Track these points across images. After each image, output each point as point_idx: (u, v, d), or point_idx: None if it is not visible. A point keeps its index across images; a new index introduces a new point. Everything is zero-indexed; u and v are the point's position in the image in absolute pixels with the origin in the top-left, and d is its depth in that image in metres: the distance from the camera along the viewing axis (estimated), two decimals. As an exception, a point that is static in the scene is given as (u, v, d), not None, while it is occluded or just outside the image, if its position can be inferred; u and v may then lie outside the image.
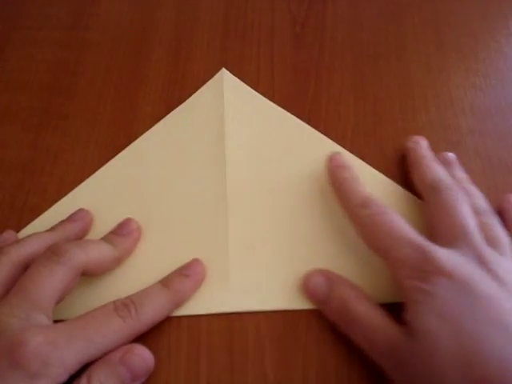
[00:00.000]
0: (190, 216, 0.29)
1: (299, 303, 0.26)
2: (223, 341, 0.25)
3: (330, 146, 0.31)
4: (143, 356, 0.22)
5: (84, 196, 0.29)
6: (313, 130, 0.31)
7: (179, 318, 0.25)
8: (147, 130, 0.31)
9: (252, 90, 0.33)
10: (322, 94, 0.33)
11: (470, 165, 0.30)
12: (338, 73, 0.34)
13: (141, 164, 0.30)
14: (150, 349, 0.23)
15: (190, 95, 0.33)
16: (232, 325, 0.25)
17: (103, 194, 0.29)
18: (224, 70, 0.34)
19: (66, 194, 0.29)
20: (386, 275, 0.25)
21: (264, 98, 0.33)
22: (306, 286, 0.25)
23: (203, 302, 0.26)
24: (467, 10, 0.37)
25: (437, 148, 0.30)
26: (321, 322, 0.25)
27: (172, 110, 0.32)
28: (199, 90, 0.33)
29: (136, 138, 0.31)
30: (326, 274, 0.25)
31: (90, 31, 0.36)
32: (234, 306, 0.26)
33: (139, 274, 0.27)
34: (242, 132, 0.31)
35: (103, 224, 0.28)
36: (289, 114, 0.32)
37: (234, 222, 0.28)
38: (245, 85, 0.33)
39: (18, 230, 0.28)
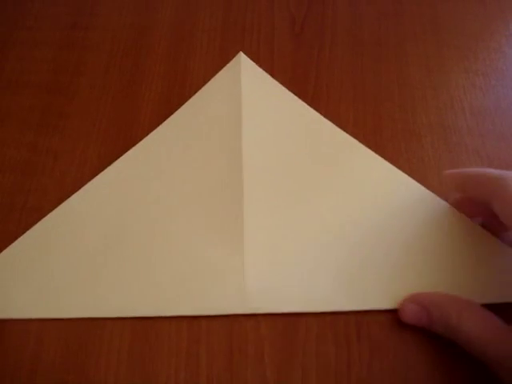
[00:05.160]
0: (204, 211, 0.28)
1: (316, 306, 0.25)
2: (223, 341, 0.25)
3: (345, 138, 0.30)
4: None
5: (100, 189, 0.29)
6: (328, 122, 0.31)
7: (179, 318, 0.25)
8: (147, 130, 0.31)
9: (269, 75, 0.33)
10: (321, 94, 0.33)
11: (469, 165, 0.30)
12: (338, 73, 0.34)
13: (158, 155, 0.30)
14: (150, 349, 0.23)
15: (191, 95, 0.32)
16: (232, 325, 0.25)
17: (120, 185, 0.29)
18: (241, 53, 0.33)
19: (66, 193, 0.29)
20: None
21: (281, 86, 0.32)
22: (404, 319, 0.25)
23: (218, 303, 0.25)
24: (467, 10, 0.37)
25: (437, 148, 0.30)
26: (321, 321, 0.25)
27: (172, 109, 0.32)
28: (216, 75, 0.33)
29: (136, 137, 0.31)
30: (416, 300, 0.24)
31: (90, 31, 0.36)
32: (249, 308, 0.25)
33: (153, 273, 0.26)
34: (259, 118, 0.31)
35: (118, 216, 0.28)
36: (305, 105, 0.32)
37: (250, 218, 0.27)
38: (262, 70, 0.33)
39: (18, 230, 0.28)
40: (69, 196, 0.29)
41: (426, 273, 0.26)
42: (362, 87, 0.33)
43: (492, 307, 0.23)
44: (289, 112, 0.32)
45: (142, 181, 0.29)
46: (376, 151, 0.30)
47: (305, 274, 0.26)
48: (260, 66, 0.34)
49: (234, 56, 0.34)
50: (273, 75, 0.33)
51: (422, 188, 0.28)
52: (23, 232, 0.28)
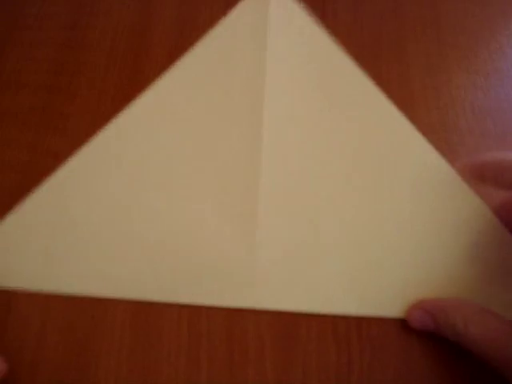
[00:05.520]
0: (219, 175, 0.26)
1: (324, 307, 0.25)
2: (223, 341, 0.25)
3: (379, 99, 0.28)
4: None
5: (112, 138, 0.28)
6: (363, 75, 0.28)
7: (179, 318, 0.25)
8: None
9: (303, 11, 0.29)
10: (322, 93, 0.33)
11: (470, 165, 0.30)
12: (338, 73, 0.34)
13: (174, 96, 0.28)
14: (151, 349, 0.23)
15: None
16: (232, 325, 0.25)
17: (134, 131, 0.28)
18: None
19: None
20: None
21: (315, 25, 0.29)
22: (411, 325, 0.24)
23: (227, 294, 0.25)
24: (467, 10, 0.37)
25: (437, 148, 0.30)
26: (321, 321, 0.25)
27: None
28: (237, 7, 0.29)
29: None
30: (422, 306, 0.24)
31: (90, 31, 0.36)
32: (258, 302, 0.25)
33: (159, 254, 0.25)
34: (285, 56, 0.27)
35: (127, 179, 0.27)
36: (342, 53, 0.29)
37: (265, 194, 0.26)
38: (296, 4, 0.29)
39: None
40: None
41: (448, 283, 0.25)
42: (363, 87, 0.33)
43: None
44: (322, 59, 0.28)
45: (153, 131, 0.27)
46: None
47: (316, 274, 0.25)
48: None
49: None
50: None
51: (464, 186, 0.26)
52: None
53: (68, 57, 0.35)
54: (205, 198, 0.26)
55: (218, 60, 0.29)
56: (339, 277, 0.25)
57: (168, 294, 0.25)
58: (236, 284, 0.25)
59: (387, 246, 0.25)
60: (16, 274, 0.25)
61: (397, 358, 0.24)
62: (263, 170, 0.26)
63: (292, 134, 0.27)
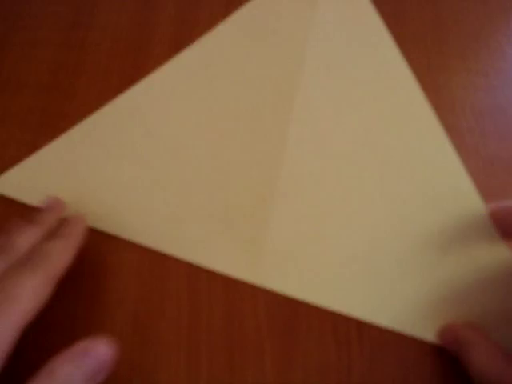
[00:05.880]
0: (237, 153, 0.27)
1: (326, 300, 0.25)
2: (223, 341, 0.25)
3: (421, 104, 0.27)
4: (105, 346, 0.20)
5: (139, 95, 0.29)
6: (414, 83, 0.27)
7: (179, 318, 0.25)
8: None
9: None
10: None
11: (470, 165, 0.29)
12: (338, 73, 0.34)
13: (204, 63, 0.28)
14: (150, 349, 0.23)
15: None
16: (232, 324, 0.25)
17: (158, 94, 0.29)
18: None
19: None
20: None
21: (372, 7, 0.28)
22: (441, 343, 0.24)
23: (234, 263, 0.25)
24: (468, 10, 0.37)
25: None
26: (322, 320, 0.25)
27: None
28: None
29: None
30: (454, 331, 0.24)
31: (90, 31, 0.36)
32: (263, 279, 0.25)
33: (174, 204, 0.26)
34: (328, 31, 0.26)
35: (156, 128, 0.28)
36: (390, 39, 0.28)
37: (285, 187, 0.26)
38: None
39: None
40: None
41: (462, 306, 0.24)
42: (363, 87, 0.33)
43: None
44: (366, 39, 0.27)
45: (180, 96, 0.28)
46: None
47: (326, 264, 0.25)
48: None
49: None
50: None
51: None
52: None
53: (68, 57, 0.35)
54: (226, 173, 0.27)
55: (256, 30, 0.28)
56: (347, 274, 0.25)
57: (172, 246, 0.25)
58: (243, 253, 0.25)
59: (399, 257, 0.25)
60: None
61: (397, 359, 0.24)
62: (287, 157, 0.26)
63: (322, 119, 0.27)
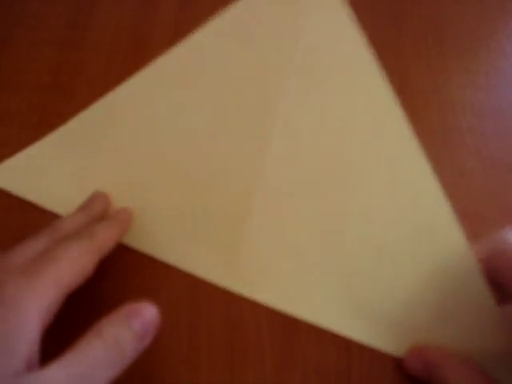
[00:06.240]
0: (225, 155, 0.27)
1: (308, 315, 0.25)
2: (223, 341, 0.25)
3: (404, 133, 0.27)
4: (152, 309, 0.21)
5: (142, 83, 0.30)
6: (390, 93, 0.28)
7: (179, 317, 0.25)
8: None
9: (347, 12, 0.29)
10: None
11: (470, 165, 0.29)
12: (338, 73, 0.34)
13: (200, 56, 0.29)
14: (150, 349, 0.23)
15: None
16: (232, 325, 0.25)
17: (159, 83, 0.30)
18: None
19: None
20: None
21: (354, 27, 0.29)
22: (407, 370, 0.24)
23: (212, 269, 0.25)
24: (467, 10, 0.37)
25: (437, 148, 0.30)
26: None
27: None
28: None
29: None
30: (421, 356, 0.23)
31: (90, 31, 0.36)
32: (240, 287, 0.25)
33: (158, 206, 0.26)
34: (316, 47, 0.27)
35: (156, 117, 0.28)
36: (370, 57, 0.29)
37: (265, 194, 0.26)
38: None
39: (18, 232, 0.28)
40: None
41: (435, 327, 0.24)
42: (363, 87, 0.33)
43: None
44: (348, 53, 0.28)
45: (176, 88, 0.29)
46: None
47: (300, 275, 0.25)
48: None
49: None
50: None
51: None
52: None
53: (68, 57, 0.35)
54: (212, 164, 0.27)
55: (240, 32, 0.29)
56: (322, 286, 0.25)
57: (150, 246, 0.26)
58: (221, 259, 0.25)
59: (375, 273, 0.25)
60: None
61: (396, 361, 0.24)
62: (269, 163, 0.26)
63: (303, 131, 0.27)
